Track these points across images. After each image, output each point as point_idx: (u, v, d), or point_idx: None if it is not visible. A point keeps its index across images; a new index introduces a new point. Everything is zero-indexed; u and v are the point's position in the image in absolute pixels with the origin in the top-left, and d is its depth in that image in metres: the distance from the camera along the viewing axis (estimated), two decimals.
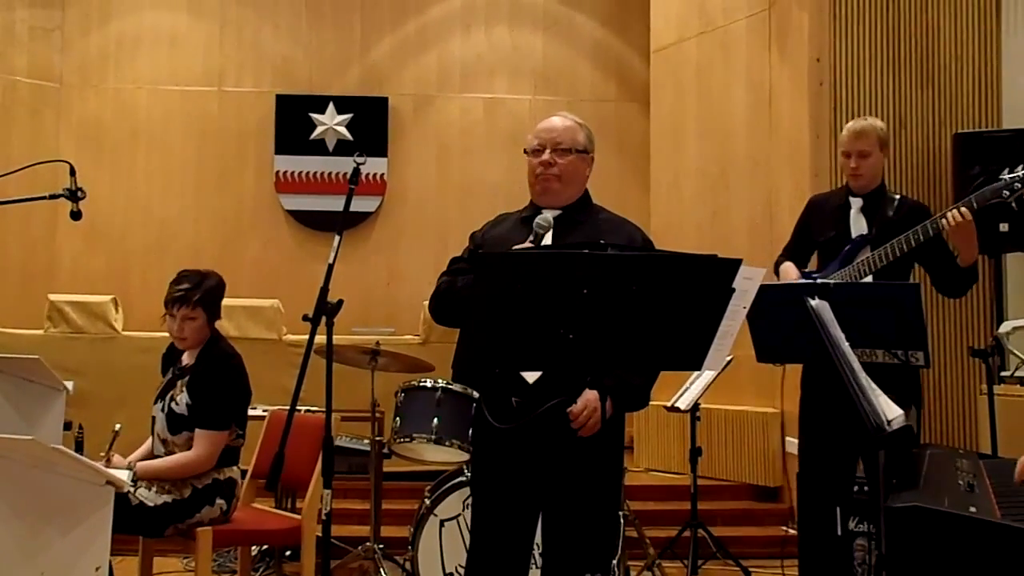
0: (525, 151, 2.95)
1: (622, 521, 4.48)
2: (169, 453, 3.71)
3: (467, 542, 3.68)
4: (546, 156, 2.87)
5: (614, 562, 4.25)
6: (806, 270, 4.09)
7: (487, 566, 2.85)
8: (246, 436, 3.86)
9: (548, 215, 2.83)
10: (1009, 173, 3.66)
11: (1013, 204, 3.71)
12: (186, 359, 3.82)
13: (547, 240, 2.83)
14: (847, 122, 4.22)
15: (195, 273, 3.83)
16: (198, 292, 3.75)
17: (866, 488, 3.38)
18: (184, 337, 3.77)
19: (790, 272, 4.08)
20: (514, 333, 2.22)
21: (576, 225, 2.86)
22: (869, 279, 3.80)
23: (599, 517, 2.80)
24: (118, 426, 3.69)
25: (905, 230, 3.76)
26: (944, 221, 3.66)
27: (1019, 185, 3.62)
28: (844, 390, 3.45)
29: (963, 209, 3.65)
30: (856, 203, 3.98)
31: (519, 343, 2.25)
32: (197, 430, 3.65)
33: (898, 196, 4.02)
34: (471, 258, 2.93)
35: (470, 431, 3.49)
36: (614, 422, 2.81)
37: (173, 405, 3.71)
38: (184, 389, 3.70)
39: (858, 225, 3.95)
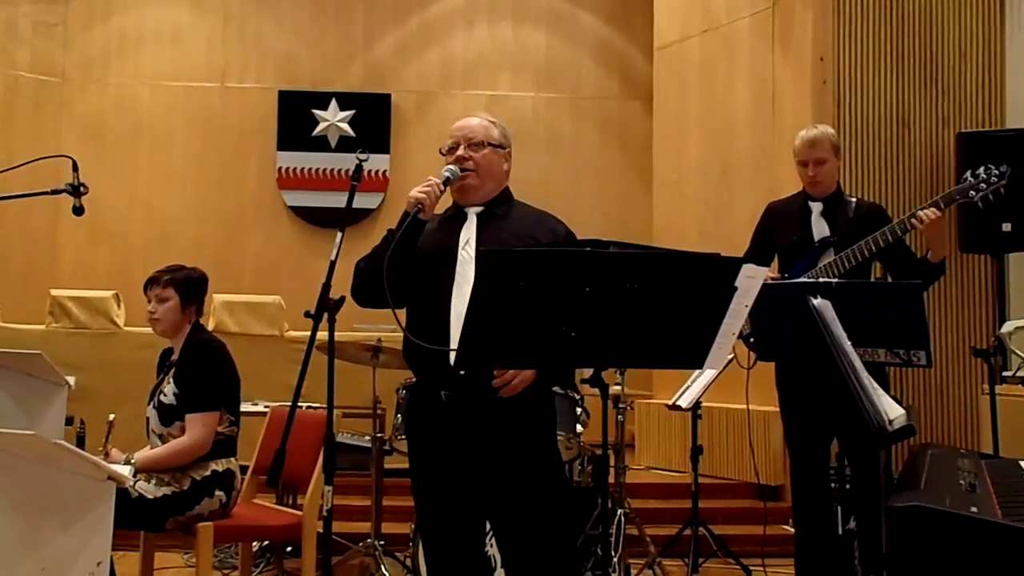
0: (441, 152, 2.99)
1: (621, 517, 4.48)
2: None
3: None
4: (460, 151, 2.91)
5: (615, 559, 4.25)
6: (773, 275, 4.16)
7: (445, 564, 2.87)
8: (246, 431, 3.86)
9: (454, 167, 2.88)
10: (972, 174, 3.76)
11: (979, 203, 3.80)
12: (174, 356, 3.86)
13: (471, 238, 2.87)
14: (851, 120, 4.26)
15: (179, 264, 3.93)
16: (170, 275, 3.82)
17: (835, 483, 3.44)
18: (156, 318, 3.80)
19: None
20: (516, 330, 2.23)
21: (498, 220, 2.91)
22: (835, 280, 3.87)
23: (541, 502, 2.81)
24: (112, 417, 3.70)
25: (865, 231, 3.89)
26: (916, 220, 3.77)
27: (984, 186, 3.74)
28: (820, 389, 3.50)
29: (932, 209, 3.75)
30: (816, 207, 4.11)
31: (520, 340, 2.25)
32: (187, 415, 3.68)
33: (854, 199, 4.14)
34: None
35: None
36: (538, 402, 2.85)
37: (162, 398, 3.74)
38: (171, 381, 3.75)
39: (820, 228, 4.07)
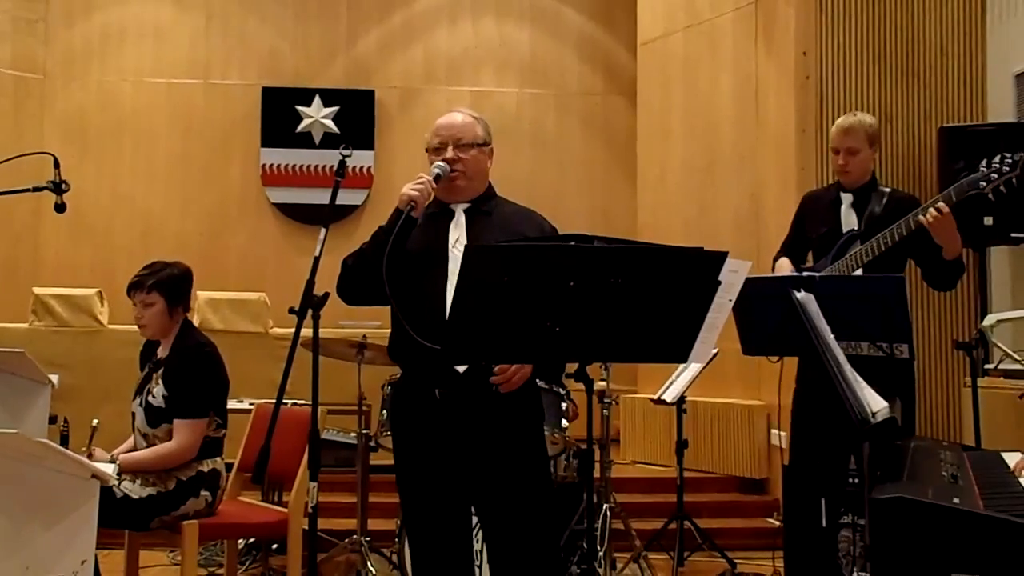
0: (426, 150, 2.98)
1: (607, 511, 4.49)
2: (150, 447, 3.70)
3: None
4: (449, 153, 2.90)
5: (601, 553, 4.27)
6: (803, 266, 4.10)
7: (431, 560, 2.86)
8: (231, 428, 3.85)
9: (444, 165, 2.87)
10: (986, 164, 3.65)
11: (990, 195, 3.70)
12: (160, 352, 3.82)
13: (462, 236, 2.87)
14: (833, 116, 4.24)
15: (159, 262, 3.85)
16: (154, 278, 3.75)
17: (855, 481, 3.40)
18: (144, 324, 3.76)
19: (784, 268, 4.09)
20: (500, 325, 2.23)
21: (485, 217, 2.92)
22: (859, 272, 3.81)
23: (531, 497, 2.81)
24: (95, 421, 3.70)
25: (893, 223, 3.76)
26: (923, 218, 3.64)
27: (995, 176, 3.61)
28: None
29: (940, 205, 3.65)
30: (847, 198, 3.98)
31: (505, 335, 2.25)
32: (176, 420, 3.65)
33: (888, 190, 4.02)
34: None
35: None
36: (529, 399, 2.87)
37: (150, 399, 3.71)
38: (159, 381, 3.70)
39: (848, 220, 3.95)
